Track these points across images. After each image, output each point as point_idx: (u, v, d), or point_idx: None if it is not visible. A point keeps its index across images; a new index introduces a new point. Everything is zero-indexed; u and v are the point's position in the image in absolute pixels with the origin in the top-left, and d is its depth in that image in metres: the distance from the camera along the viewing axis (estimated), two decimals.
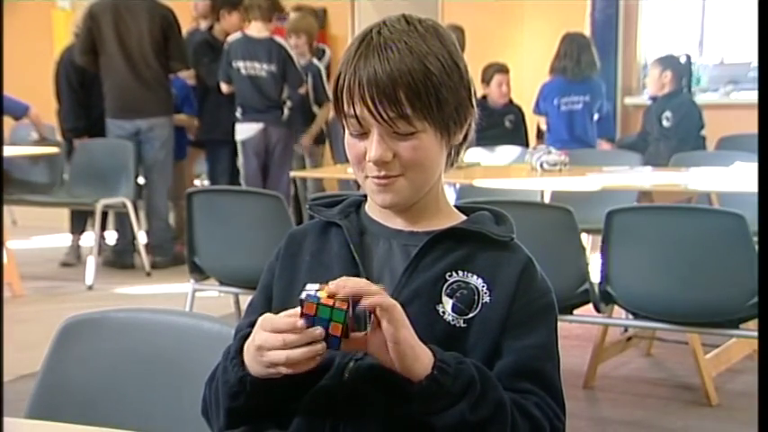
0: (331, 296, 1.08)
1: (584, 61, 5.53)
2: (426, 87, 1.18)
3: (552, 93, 5.68)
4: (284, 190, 5.61)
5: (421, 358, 1.11)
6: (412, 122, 1.19)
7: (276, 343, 1.09)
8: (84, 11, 5.91)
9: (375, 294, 1.09)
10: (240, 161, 5.83)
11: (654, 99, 5.61)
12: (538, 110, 5.88)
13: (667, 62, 5.62)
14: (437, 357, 1.11)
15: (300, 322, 1.08)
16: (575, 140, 5.56)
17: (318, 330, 1.08)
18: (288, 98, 5.81)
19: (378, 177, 1.22)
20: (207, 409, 1.27)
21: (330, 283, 1.09)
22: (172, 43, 5.85)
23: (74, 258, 6.19)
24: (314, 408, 1.19)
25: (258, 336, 1.13)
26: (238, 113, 5.74)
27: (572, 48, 5.57)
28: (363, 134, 1.22)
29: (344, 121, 1.23)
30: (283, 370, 1.11)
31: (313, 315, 1.08)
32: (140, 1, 5.81)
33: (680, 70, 5.55)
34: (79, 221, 6.26)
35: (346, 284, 1.09)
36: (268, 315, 1.13)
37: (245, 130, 5.75)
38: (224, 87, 5.82)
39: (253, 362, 1.15)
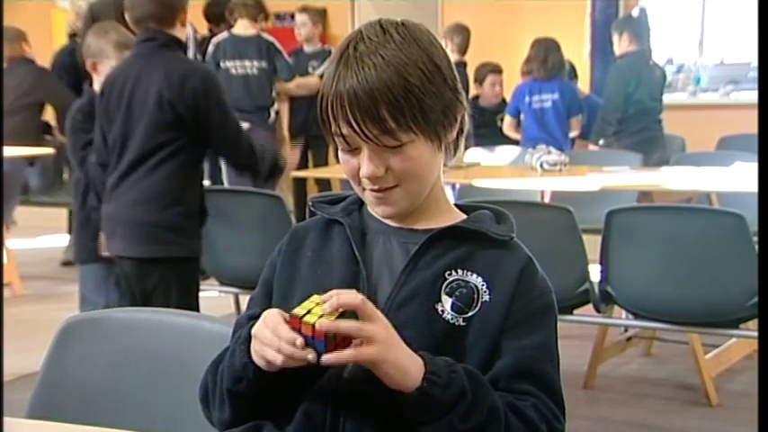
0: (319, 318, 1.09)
1: (551, 61, 5.68)
2: (408, 100, 1.17)
3: (523, 92, 5.84)
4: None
5: (410, 372, 1.11)
6: (398, 136, 1.18)
7: (273, 344, 1.11)
8: (84, 12, 5.89)
9: (357, 316, 1.09)
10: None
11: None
12: (508, 111, 6.00)
13: (622, 24, 5.83)
14: (427, 369, 1.11)
15: (299, 340, 1.09)
16: (546, 137, 5.60)
17: (311, 356, 1.09)
18: (275, 99, 5.79)
19: (374, 191, 1.23)
20: (206, 395, 1.27)
21: (326, 301, 1.10)
22: None
23: (72, 256, 6.21)
24: (313, 407, 1.19)
25: (260, 329, 1.14)
26: None
27: (539, 50, 5.74)
28: (354, 150, 1.21)
29: (333, 140, 1.22)
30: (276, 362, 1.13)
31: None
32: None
33: (636, 29, 5.69)
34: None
35: (339, 299, 1.09)
36: (275, 314, 1.14)
37: None
38: None
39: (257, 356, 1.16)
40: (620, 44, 5.68)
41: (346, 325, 1.08)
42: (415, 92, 1.17)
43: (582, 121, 5.95)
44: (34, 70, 5.85)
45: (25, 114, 5.75)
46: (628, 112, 5.57)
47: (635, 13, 6.03)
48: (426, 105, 1.18)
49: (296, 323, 1.10)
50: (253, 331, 1.15)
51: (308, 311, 1.10)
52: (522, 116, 5.88)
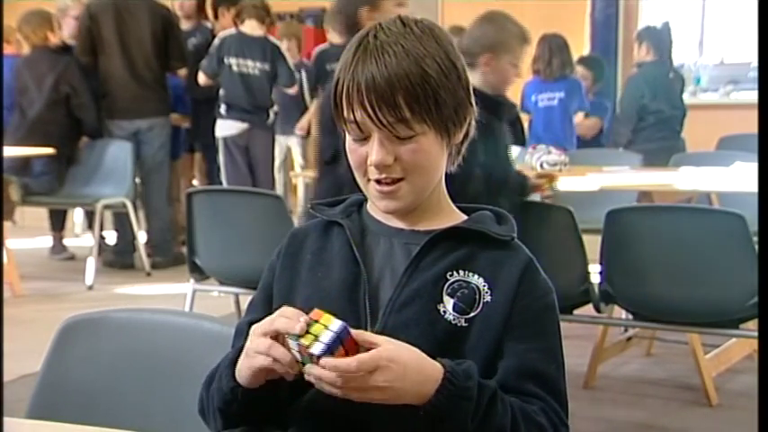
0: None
1: (555, 63, 5.72)
2: (424, 90, 1.18)
3: (531, 91, 5.89)
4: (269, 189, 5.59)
5: (411, 397, 1.10)
6: (411, 126, 1.19)
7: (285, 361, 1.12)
8: (82, 11, 5.90)
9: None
10: (221, 159, 5.82)
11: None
12: (524, 108, 6.02)
13: (643, 34, 5.95)
14: (431, 400, 1.10)
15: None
16: (551, 137, 5.63)
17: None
18: (274, 102, 5.83)
19: (380, 182, 1.22)
20: (203, 409, 1.27)
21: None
22: (172, 43, 5.85)
23: (60, 251, 6.27)
24: (314, 408, 1.19)
25: (252, 359, 1.14)
26: (222, 110, 5.70)
27: (544, 50, 5.75)
28: (364, 139, 1.21)
29: (345, 127, 1.23)
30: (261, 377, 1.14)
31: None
32: (140, 1, 5.81)
33: (657, 41, 5.79)
34: (58, 219, 6.32)
35: (337, 366, 1.07)
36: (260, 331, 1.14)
37: (227, 127, 5.71)
38: (203, 78, 5.74)
39: (243, 367, 1.16)
40: (639, 53, 5.79)
41: (346, 365, 1.07)
42: (431, 83, 1.18)
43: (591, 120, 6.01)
44: (58, 62, 5.75)
45: (59, 111, 5.72)
46: (647, 120, 5.60)
47: (659, 25, 6.11)
48: (441, 99, 1.19)
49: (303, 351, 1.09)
50: (249, 347, 1.14)
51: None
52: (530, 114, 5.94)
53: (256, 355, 1.13)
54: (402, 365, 1.09)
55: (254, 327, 1.15)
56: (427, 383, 1.10)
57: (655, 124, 5.61)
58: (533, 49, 5.87)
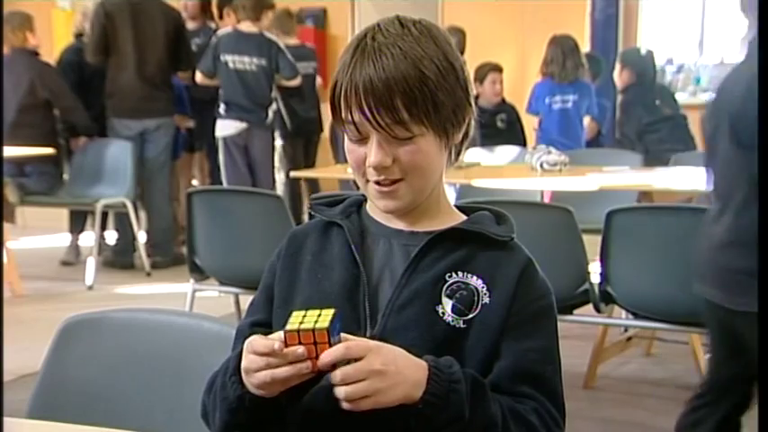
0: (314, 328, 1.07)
1: (569, 66, 5.73)
2: (422, 93, 1.17)
3: (543, 93, 5.87)
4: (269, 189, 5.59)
5: (407, 392, 1.09)
6: (409, 128, 1.19)
7: (261, 364, 1.09)
8: (97, 10, 5.89)
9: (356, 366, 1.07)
10: (221, 159, 5.83)
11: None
12: (530, 109, 6.01)
13: (627, 59, 6.06)
14: (427, 389, 1.09)
15: (277, 344, 1.07)
16: (565, 139, 5.63)
17: (300, 350, 1.07)
18: (274, 99, 5.83)
19: (379, 183, 1.22)
20: (206, 414, 1.27)
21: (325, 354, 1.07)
22: (182, 44, 5.89)
23: (73, 257, 6.20)
24: (314, 408, 1.19)
25: (244, 359, 1.13)
26: (221, 110, 5.72)
27: (557, 53, 5.75)
28: (363, 140, 1.21)
29: (343, 128, 1.23)
30: (276, 388, 1.11)
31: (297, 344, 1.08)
32: (154, 2, 5.83)
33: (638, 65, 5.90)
34: (78, 220, 6.27)
35: (334, 353, 1.07)
36: (253, 337, 1.12)
37: (226, 127, 5.73)
38: (200, 77, 5.78)
39: (246, 383, 1.15)
40: (621, 77, 5.90)
41: (335, 350, 1.07)
42: (429, 85, 1.18)
43: (597, 123, 6.04)
44: (36, 65, 5.75)
45: (36, 115, 5.71)
46: (662, 131, 5.64)
47: (642, 50, 6.19)
48: (439, 100, 1.19)
49: (294, 339, 1.08)
50: (243, 365, 1.13)
51: (300, 324, 1.08)
52: (540, 116, 5.94)
53: (268, 387, 1.11)
54: (390, 349, 1.10)
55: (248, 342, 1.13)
56: (418, 370, 1.10)
57: (673, 129, 5.66)
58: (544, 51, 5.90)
